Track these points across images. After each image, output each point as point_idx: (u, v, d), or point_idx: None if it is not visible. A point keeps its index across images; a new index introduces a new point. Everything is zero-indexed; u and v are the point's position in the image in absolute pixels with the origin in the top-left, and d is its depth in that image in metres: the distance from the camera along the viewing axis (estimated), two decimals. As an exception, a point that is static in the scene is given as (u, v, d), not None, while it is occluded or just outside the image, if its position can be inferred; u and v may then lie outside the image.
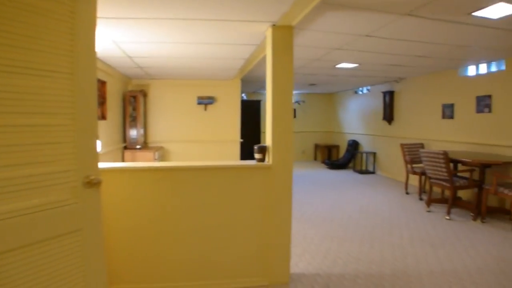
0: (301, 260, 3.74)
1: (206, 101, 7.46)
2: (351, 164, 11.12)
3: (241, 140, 7.70)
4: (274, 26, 3.04)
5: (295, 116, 12.86)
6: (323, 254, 3.91)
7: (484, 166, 5.44)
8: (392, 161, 9.11)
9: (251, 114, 8.46)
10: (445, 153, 5.21)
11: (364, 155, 10.52)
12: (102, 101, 4.87)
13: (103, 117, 4.96)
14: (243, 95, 9.11)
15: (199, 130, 7.63)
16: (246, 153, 8.27)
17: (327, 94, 13.21)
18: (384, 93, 9.33)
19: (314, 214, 5.59)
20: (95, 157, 1.91)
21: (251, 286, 3.12)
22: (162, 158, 7.26)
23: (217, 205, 3.02)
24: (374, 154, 10.06)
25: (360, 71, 7.22)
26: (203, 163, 3.05)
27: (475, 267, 3.62)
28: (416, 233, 4.70)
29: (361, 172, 10.13)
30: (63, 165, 1.76)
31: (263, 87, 10.24)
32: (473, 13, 3.42)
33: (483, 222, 5.21)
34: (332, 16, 3.45)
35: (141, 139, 6.87)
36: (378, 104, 9.81)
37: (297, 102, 12.69)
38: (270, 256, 3.14)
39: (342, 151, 12.08)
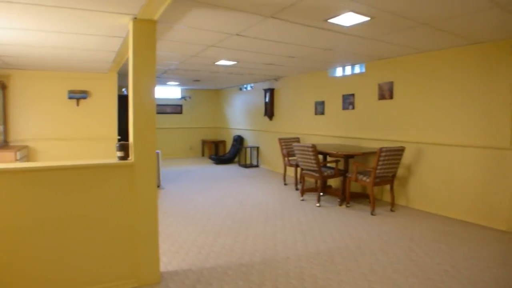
0: (175, 258, 3.71)
1: (78, 96, 6.90)
2: (236, 159, 11.44)
3: (119, 137, 7.32)
4: (135, 19, 2.94)
5: (181, 112, 12.73)
6: (198, 249, 3.95)
7: (348, 157, 6.07)
8: (273, 154, 9.62)
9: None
10: (313, 146, 5.68)
11: (249, 149, 10.91)
12: None
13: None
14: (123, 90, 8.68)
15: (71, 127, 7.02)
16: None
17: (213, 90, 13.34)
18: (265, 91, 9.78)
19: (194, 210, 5.61)
20: None
21: (118, 289, 3.00)
22: (26, 158, 6.52)
23: (77, 207, 2.81)
24: (258, 148, 10.51)
25: (240, 69, 7.44)
26: (57, 163, 2.81)
27: (336, 248, 4.02)
28: (289, 221, 5.04)
29: (246, 166, 10.49)
30: None
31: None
32: (329, 20, 3.76)
33: (347, 206, 5.82)
34: (200, 14, 3.48)
35: (0, 137, 6.08)
36: (260, 100, 10.25)
37: (183, 98, 12.57)
38: (139, 257, 3.05)
39: (229, 146, 12.36)
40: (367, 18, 3.69)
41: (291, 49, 5.31)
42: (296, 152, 6.08)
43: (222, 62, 6.54)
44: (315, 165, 5.78)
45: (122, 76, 8.29)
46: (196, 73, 8.11)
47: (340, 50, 5.46)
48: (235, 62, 6.56)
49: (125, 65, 6.17)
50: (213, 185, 7.73)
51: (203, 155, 13.23)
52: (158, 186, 7.41)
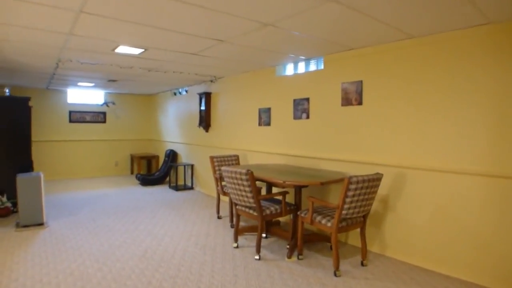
0: None
1: None
2: (168, 179, 9.33)
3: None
4: None
5: (105, 121, 10.51)
6: None
7: (300, 188, 4.27)
8: (210, 175, 7.64)
9: (12, 117, 5.95)
10: (249, 173, 3.79)
11: (182, 167, 8.89)
12: None
13: None
14: (6, 89, 6.48)
15: None
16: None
17: (144, 95, 11.22)
18: (200, 95, 7.83)
19: (67, 273, 3.52)
20: None
21: None
22: None
23: None
24: (192, 166, 8.50)
25: (157, 62, 5.46)
26: None
27: None
28: (206, 297, 3.12)
29: (178, 188, 8.41)
30: None
31: (59, 82, 7.67)
32: None
33: (299, 259, 4.01)
34: None
35: None
36: (196, 108, 8.28)
37: (105, 103, 10.33)
38: None
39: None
40: None
41: (216, 24, 3.44)
42: (226, 179, 4.16)
43: (124, 50, 4.56)
44: (252, 199, 3.91)
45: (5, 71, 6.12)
46: (101, 68, 6.02)
47: (287, 28, 3.63)
48: (142, 50, 4.60)
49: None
50: (121, 220, 5.62)
51: (132, 172, 11.01)
52: (42, 224, 5.24)
